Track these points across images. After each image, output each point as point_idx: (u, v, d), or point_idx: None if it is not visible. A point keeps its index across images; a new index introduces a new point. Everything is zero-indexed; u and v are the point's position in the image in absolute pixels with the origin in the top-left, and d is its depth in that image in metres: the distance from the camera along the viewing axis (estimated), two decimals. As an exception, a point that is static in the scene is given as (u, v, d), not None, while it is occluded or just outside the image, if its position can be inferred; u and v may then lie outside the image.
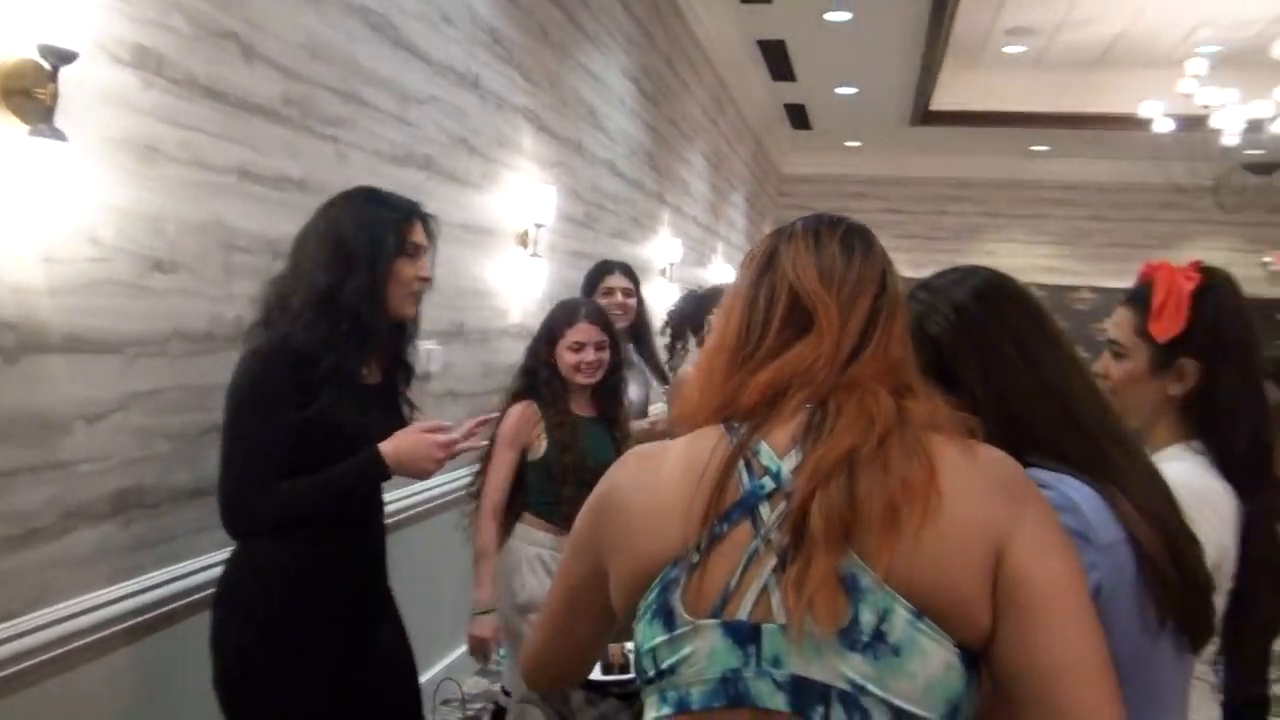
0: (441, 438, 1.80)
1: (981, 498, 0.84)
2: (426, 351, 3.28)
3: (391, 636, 1.94)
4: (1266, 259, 11.57)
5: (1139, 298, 1.44)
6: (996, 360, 1.04)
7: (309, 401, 1.66)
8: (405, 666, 1.97)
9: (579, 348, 2.52)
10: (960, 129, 10.42)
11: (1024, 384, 1.03)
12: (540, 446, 2.50)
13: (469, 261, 3.66)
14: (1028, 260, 11.85)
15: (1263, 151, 7.91)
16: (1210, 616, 1.01)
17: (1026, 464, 0.92)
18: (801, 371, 0.92)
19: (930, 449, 0.86)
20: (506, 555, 2.53)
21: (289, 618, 1.70)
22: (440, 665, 3.52)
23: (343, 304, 1.70)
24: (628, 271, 3.37)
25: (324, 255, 1.72)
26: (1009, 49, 9.17)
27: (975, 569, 0.82)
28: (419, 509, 3.22)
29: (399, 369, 1.96)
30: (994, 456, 0.88)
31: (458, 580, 3.73)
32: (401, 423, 1.92)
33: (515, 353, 4.18)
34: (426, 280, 1.87)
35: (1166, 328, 1.35)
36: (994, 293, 1.09)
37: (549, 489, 2.47)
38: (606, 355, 2.57)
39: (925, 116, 10.00)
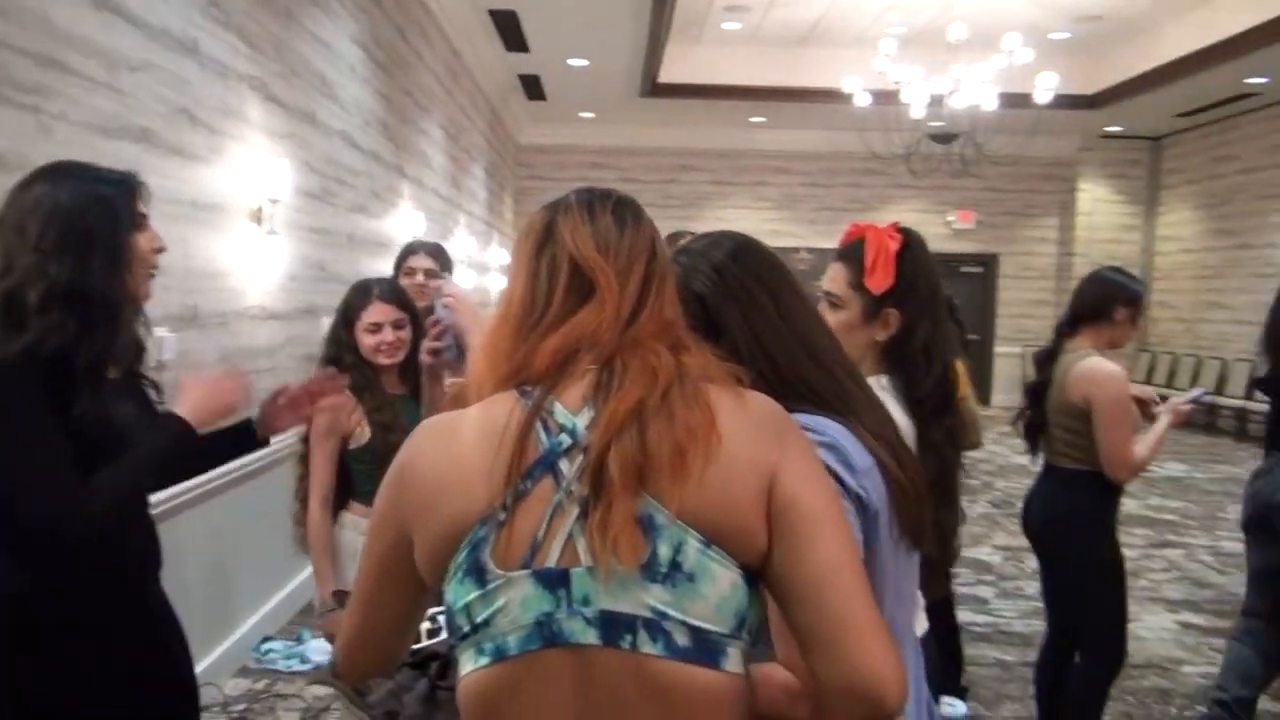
0: (224, 376, 1.74)
1: (753, 437, 0.95)
2: (158, 339, 3.04)
3: (181, 659, 1.82)
4: (950, 218, 13.12)
5: (851, 255, 1.63)
6: (755, 312, 1.17)
7: (65, 407, 1.50)
8: (189, 691, 1.86)
9: (376, 328, 2.45)
10: (687, 101, 10.92)
11: (779, 331, 1.16)
12: (363, 434, 2.43)
13: (200, 241, 3.41)
14: (752, 225, 12.67)
15: (943, 123, 8.95)
16: (928, 521, 1.20)
17: (791, 410, 1.04)
18: (588, 335, 0.98)
19: (707, 397, 0.96)
20: (340, 546, 2.46)
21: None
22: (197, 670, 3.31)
23: (90, 293, 1.53)
24: (433, 252, 3.28)
25: (51, 239, 1.52)
26: (727, 25, 9.70)
27: (752, 498, 0.93)
28: (162, 508, 3.00)
29: (135, 354, 1.80)
30: (760, 400, 1.00)
31: (206, 579, 3.52)
32: (154, 411, 1.79)
33: (256, 337, 3.98)
34: (163, 251, 1.75)
35: (879, 282, 1.55)
36: (746, 253, 1.21)
37: (376, 475, 2.39)
38: (406, 333, 2.50)
39: (654, 89, 10.38)
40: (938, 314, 1.56)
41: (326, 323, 4.72)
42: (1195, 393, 3.00)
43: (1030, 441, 2.95)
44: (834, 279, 1.63)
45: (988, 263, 13.35)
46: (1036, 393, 2.89)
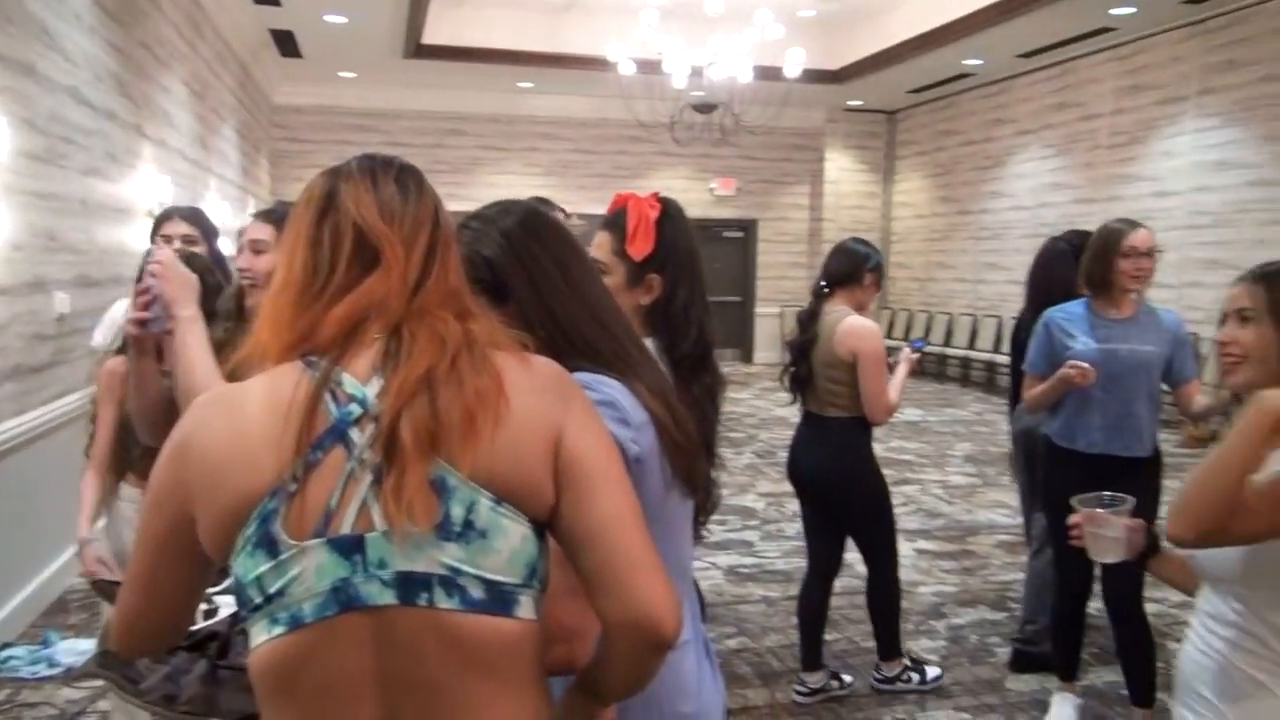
0: None
1: (539, 399, 1.01)
2: None
3: None
4: (713, 185, 13.71)
5: (615, 223, 1.71)
6: (541, 276, 1.23)
7: None
8: None
9: None
10: (453, 64, 10.69)
11: (564, 295, 1.23)
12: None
13: (-100, 208, 3.02)
14: (525, 191, 12.49)
15: (704, 94, 9.31)
16: (703, 469, 1.32)
17: (573, 369, 1.11)
18: (375, 304, 1.00)
19: (494, 363, 1.00)
20: (117, 516, 2.41)
21: None
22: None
23: None
24: (190, 217, 3.02)
25: None
26: (492, -13, 9.58)
27: (539, 456, 0.99)
28: None
29: None
30: (544, 364, 1.06)
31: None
32: None
33: (-23, 314, 3.57)
34: None
35: (641, 248, 1.64)
36: (533, 221, 1.27)
37: (140, 446, 2.28)
38: None
39: (418, 50, 10.09)
40: (696, 278, 1.67)
41: (60, 297, 4.36)
42: (916, 343, 3.44)
43: (797, 393, 3.25)
44: (599, 246, 1.70)
45: (748, 228, 14.08)
46: (803, 349, 3.18)
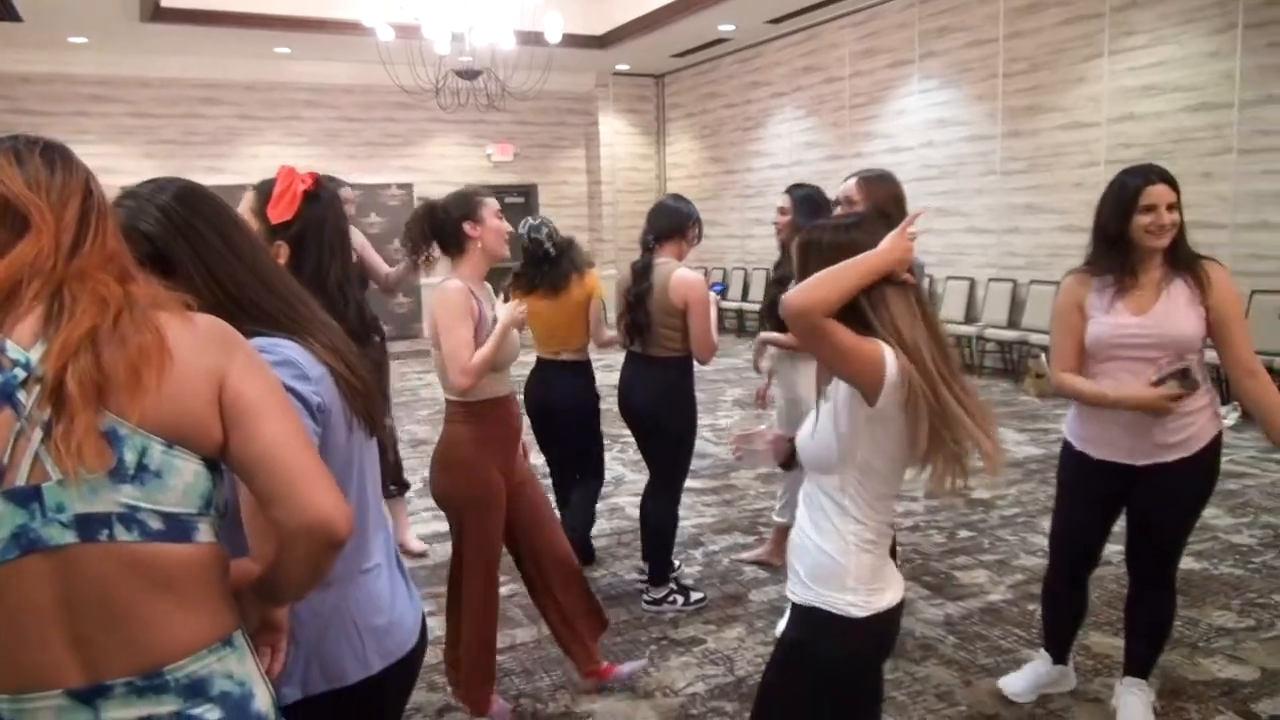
0: None
1: (201, 351, 1.12)
2: None
3: None
4: (489, 151, 13.67)
5: (263, 186, 1.79)
6: (204, 247, 1.31)
7: None
8: None
9: None
10: (199, 28, 10.08)
11: (229, 263, 1.32)
12: None
13: None
14: (290, 161, 11.86)
15: (469, 59, 9.29)
16: (379, 408, 1.48)
17: (248, 333, 1.22)
18: (28, 264, 1.07)
19: (157, 322, 1.10)
20: None
21: None
22: None
23: None
24: None
25: None
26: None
27: (205, 401, 1.11)
28: None
29: None
30: (207, 320, 1.17)
31: None
32: None
33: None
34: None
35: (279, 214, 1.74)
36: (190, 195, 1.35)
37: None
38: None
39: (157, 12, 9.45)
40: (346, 259, 1.79)
41: None
42: (716, 287, 3.82)
43: (634, 337, 3.62)
44: (244, 203, 1.78)
45: (528, 192, 14.16)
46: (640, 298, 3.54)
